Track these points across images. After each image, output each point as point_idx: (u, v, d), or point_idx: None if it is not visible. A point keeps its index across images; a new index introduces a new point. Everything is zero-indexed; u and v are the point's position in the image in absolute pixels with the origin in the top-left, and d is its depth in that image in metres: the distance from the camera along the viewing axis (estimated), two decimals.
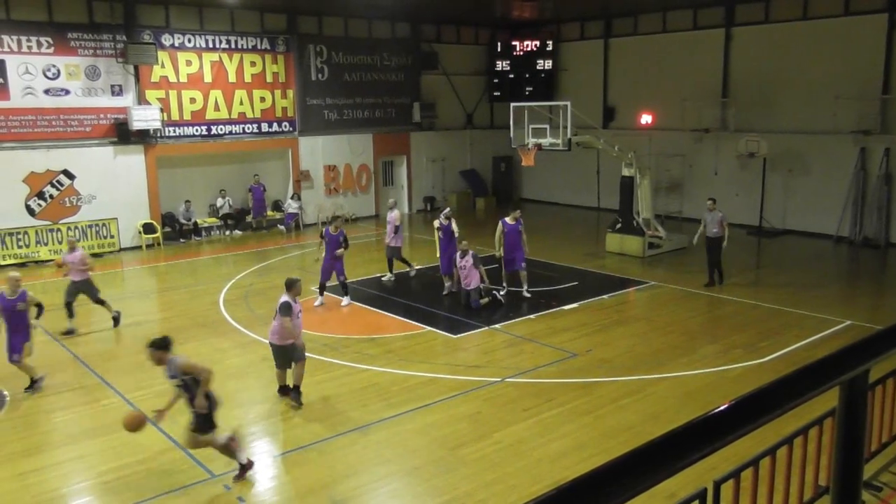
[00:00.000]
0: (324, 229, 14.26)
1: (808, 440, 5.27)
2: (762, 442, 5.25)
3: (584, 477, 1.33)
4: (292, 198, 22.66)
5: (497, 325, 12.51)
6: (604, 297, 14.38)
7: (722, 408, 1.58)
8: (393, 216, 15.64)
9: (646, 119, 22.79)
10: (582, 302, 13.99)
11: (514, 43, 26.49)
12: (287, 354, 9.33)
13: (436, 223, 15.16)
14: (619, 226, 18.35)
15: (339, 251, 13.70)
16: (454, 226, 14.82)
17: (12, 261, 17.89)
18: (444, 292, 14.56)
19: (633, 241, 17.97)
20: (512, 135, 18.31)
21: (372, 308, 13.87)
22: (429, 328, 12.49)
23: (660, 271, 16.45)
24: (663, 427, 1.90)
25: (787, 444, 5.11)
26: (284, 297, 9.11)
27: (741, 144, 20.26)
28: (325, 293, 13.96)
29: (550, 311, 13.35)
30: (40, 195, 18.61)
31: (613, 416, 8.81)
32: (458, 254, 13.63)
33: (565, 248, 18.32)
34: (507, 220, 14.07)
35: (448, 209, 15.82)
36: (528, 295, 14.02)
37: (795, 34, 20.16)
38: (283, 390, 9.52)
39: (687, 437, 1.49)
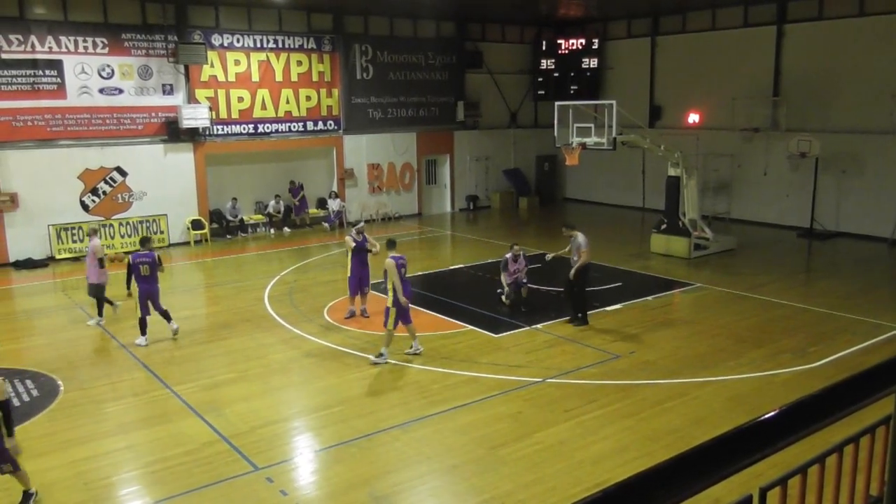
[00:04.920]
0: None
1: (859, 448, 5.12)
2: (810, 449, 5.11)
3: (630, 480, 1.32)
4: (330, 196, 22.94)
5: (538, 326, 12.44)
6: (648, 298, 14.19)
7: (773, 413, 1.55)
8: (93, 245, 12.84)
9: (693, 118, 22.37)
10: (625, 303, 13.82)
11: (559, 41, 26.28)
12: None
13: (347, 238, 13.19)
14: (664, 226, 18.08)
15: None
16: (369, 243, 12.93)
17: (67, 255, 18.52)
18: (347, 315, 13.07)
19: (679, 242, 17.69)
20: (556, 134, 18.14)
21: (413, 306, 13.89)
22: (470, 327, 12.50)
23: (706, 273, 16.16)
24: (708, 431, 1.87)
25: (836, 451, 4.97)
26: None
27: (792, 144, 19.75)
28: (171, 322, 12.17)
29: (593, 311, 13.21)
30: (94, 191, 19.20)
31: (657, 420, 8.69)
32: (510, 256, 13.68)
33: (609, 249, 18.10)
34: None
35: (361, 223, 14.08)
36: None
37: (851, 31, 19.56)
38: None
39: (736, 443, 1.47)
